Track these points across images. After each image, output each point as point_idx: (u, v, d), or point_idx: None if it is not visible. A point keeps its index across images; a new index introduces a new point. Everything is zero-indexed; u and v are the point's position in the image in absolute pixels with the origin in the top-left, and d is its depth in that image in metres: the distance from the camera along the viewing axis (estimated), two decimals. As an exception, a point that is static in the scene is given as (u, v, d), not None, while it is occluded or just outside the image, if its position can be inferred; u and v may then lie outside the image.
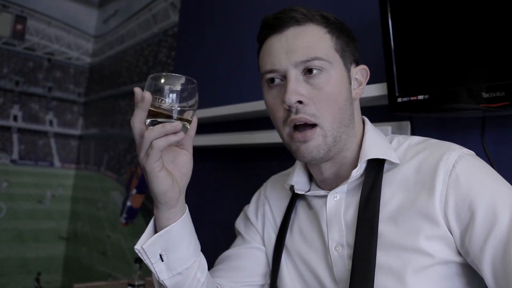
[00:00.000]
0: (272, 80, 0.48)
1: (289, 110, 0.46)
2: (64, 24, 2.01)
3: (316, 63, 0.45)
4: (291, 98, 0.44)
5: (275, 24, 0.47)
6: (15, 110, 1.83)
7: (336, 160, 0.50)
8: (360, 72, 0.51)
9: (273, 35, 0.48)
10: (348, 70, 0.49)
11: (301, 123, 0.46)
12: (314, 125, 0.46)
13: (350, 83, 0.49)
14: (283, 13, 0.47)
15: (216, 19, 1.22)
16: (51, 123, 1.94)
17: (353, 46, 0.50)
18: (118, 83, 1.78)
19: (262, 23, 0.50)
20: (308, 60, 0.45)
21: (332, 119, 0.46)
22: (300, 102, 0.45)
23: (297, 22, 0.47)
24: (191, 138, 0.46)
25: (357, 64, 0.52)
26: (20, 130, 1.84)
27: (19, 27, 1.85)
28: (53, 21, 1.97)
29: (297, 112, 0.46)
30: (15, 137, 1.83)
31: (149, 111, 0.40)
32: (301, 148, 0.47)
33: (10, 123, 1.82)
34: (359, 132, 0.51)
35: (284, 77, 0.47)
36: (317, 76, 0.46)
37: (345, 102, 0.47)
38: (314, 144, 0.46)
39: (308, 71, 0.46)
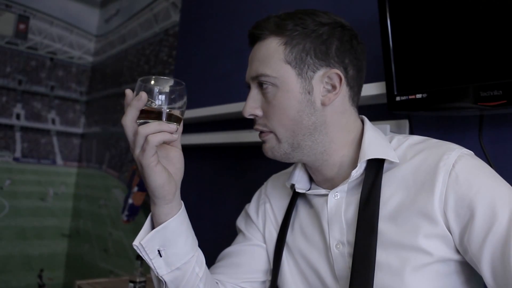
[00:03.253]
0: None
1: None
2: (67, 23, 2.02)
3: (262, 78, 0.49)
4: (245, 112, 0.50)
5: (250, 38, 0.52)
6: (18, 109, 1.84)
7: (322, 163, 0.50)
8: (333, 77, 0.48)
9: (251, 47, 0.53)
10: (308, 79, 0.48)
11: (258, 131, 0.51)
12: (269, 131, 0.50)
13: (310, 92, 0.48)
14: (254, 27, 0.51)
15: (216, 19, 1.23)
16: (53, 121, 1.95)
17: (325, 50, 0.48)
18: (120, 82, 1.79)
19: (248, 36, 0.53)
20: (257, 76, 0.49)
21: (284, 129, 0.49)
22: (255, 114, 0.50)
23: (258, 38, 0.50)
24: (179, 135, 0.47)
25: (341, 65, 0.49)
26: (23, 129, 1.86)
27: (22, 26, 1.87)
28: (55, 21, 1.98)
29: (254, 122, 0.52)
30: (18, 135, 1.84)
31: (140, 112, 0.41)
32: (262, 146, 0.52)
33: (13, 121, 1.83)
34: (354, 134, 0.51)
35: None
36: (266, 90, 0.49)
37: (298, 113, 0.48)
38: (268, 145, 0.51)
39: (260, 84, 0.50)
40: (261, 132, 0.51)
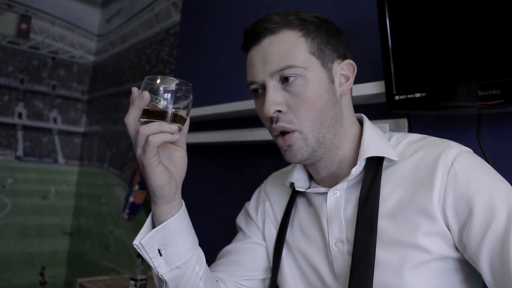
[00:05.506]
0: (256, 90, 0.49)
1: (271, 119, 0.48)
2: (68, 23, 2.03)
3: (290, 71, 0.46)
4: (270, 109, 0.46)
5: (252, 36, 0.49)
6: (20, 108, 1.85)
7: (329, 160, 0.50)
8: (346, 67, 0.51)
9: (252, 46, 0.49)
10: (329, 69, 0.49)
11: (281, 130, 0.47)
12: (293, 131, 0.47)
13: (333, 82, 0.49)
14: (258, 24, 0.48)
15: (217, 18, 1.23)
16: (55, 120, 1.96)
17: (335, 42, 0.50)
18: (121, 81, 1.79)
19: (243, 35, 0.50)
20: (282, 69, 0.46)
21: (311, 123, 0.47)
22: (279, 111, 0.47)
23: (271, 31, 0.47)
24: (184, 135, 0.47)
25: (344, 58, 0.51)
26: (25, 128, 1.86)
27: (23, 26, 1.87)
28: (57, 21, 1.99)
29: (277, 121, 0.47)
30: (19, 134, 1.85)
31: (144, 110, 0.41)
32: (286, 152, 0.49)
33: (15, 120, 1.84)
34: (354, 130, 0.52)
35: (264, 88, 0.48)
36: (293, 83, 0.46)
37: (326, 103, 0.47)
38: (296, 147, 0.47)
39: (285, 79, 0.46)
40: (284, 134, 0.47)
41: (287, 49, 0.47)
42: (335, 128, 0.49)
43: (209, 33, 1.25)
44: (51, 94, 1.95)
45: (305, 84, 0.46)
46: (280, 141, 0.48)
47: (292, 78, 0.46)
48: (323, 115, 0.47)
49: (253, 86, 0.49)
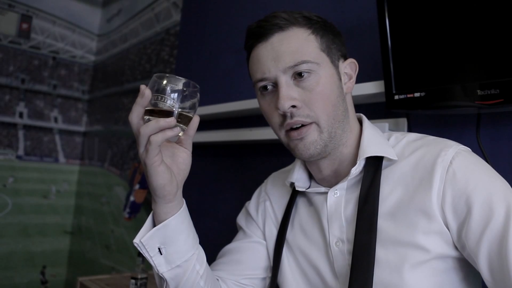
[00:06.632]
0: (264, 87, 0.49)
1: (284, 115, 0.47)
2: (69, 23, 2.03)
3: (304, 66, 0.46)
4: (284, 104, 0.46)
5: (260, 32, 0.48)
6: (21, 107, 1.86)
7: (334, 157, 0.50)
8: (349, 66, 0.52)
9: (259, 43, 0.49)
10: (337, 67, 0.50)
11: (298, 126, 0.47)
12: (310, 123, 0.47)
13: (340, 79, 0.50)
14: (266, 20, 0.48)
15: (217, 18, 1.24)
16: (56, 120, 1.96)
17: (338, 42, 0.51)
18: (122, 81, 1.80)
19: (247, 33, 0.50)
20: (296, 65, 0.46)
21: (326, 116, 0.47)
22: (293, 106, 0.46)
23: (281, 28, 0.47)
24: (191, 137, 0.46)
25: (345, 58, 0.52)
26: (26, 127, 1.87)
27: (24, 26, 1.88)
28: (58, 20, 1.99)
29: (292, 116, 0.47)
30: (21, 133, 1.85)
31: (151, 109, 0.41)
32: (298, 145, 0.48)
33: (16, 120, 1.84)
34: (355, 128, 0.52)
35: (275, 84, 0.48)
36: (307, 79, 0.47)
37: (337, 98, 0.48)
38: (310, 140, 0.47)
39: (298, 75, 0.47)
40: (300, 127, 0.47)
41: (299, 45, 0.47)
42: (344, 124, 0.49)
43: (209, 33, 1.25)
44: (52, 93, 1.96)
45: (318, 80, 0.47)
46: (294, 134, 0.47)
47: (306, 73, 0.47)
48: (336, 110, 0.48)
49: (263, 83, 0.49)
